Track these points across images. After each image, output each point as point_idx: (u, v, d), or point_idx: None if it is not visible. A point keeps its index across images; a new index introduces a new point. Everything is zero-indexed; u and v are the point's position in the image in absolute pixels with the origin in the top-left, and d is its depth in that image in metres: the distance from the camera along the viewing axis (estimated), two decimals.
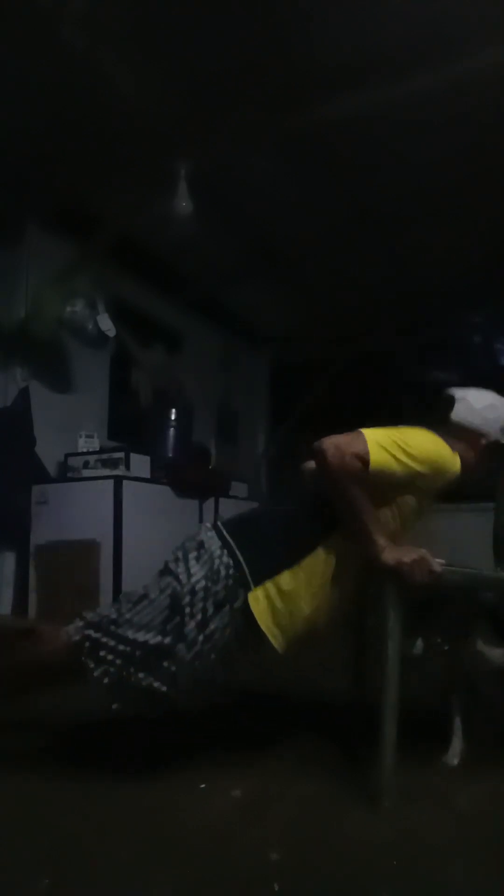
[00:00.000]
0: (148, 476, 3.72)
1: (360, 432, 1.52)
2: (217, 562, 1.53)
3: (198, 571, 1.52)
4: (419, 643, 1.59)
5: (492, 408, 1.72)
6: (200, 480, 4.02)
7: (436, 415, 1.74)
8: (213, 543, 1.57)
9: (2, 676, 1.64)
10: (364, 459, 1.48)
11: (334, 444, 1.48)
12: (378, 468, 1.49)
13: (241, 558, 1.53)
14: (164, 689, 1.49)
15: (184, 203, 3.16)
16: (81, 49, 2.57)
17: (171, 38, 2.56)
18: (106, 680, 1.49)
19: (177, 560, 1.58)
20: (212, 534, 1.61)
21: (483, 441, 1.70)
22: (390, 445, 1.51)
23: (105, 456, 3.66)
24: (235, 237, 4.10)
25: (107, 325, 3.89)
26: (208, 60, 2.66)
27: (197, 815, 1.38)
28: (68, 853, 1.23)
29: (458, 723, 1.66)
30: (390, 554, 1.47)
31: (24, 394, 3.61)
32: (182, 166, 3.17)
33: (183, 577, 1.52)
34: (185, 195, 3.16)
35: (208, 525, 1.66)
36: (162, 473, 3.82)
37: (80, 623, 1.56)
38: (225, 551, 1.55)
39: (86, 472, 3.60)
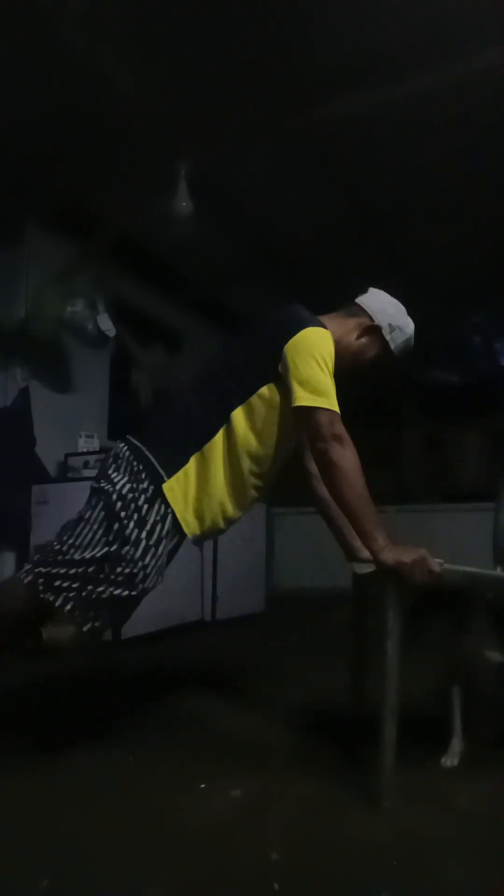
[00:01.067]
0: None
1: (319, 409, 1.53)
2: (134, 464, 1.60)
3: (120, 479, 1.58)
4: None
5: (393, 305, 1.79)
6: None
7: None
8: (125, 450, 1.65)
9: None
10: (338, 419, 1.53)
11: (334, 434, 1.51)
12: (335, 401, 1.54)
13: (150, 456, 1.60)
14: (125, 592, 1.54)
15: (184, 203, 3.16)
16: (81, 49, 2.57)
17: (171, 38, 2.56)
18: (69, 605, 1.53)
19: (98, 479, 1.65)
20: (122, 444, 1.67)
21: (368, 324, 1.75)
22: (329, 382, 1.56)
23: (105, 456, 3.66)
24: (235, 237, 4.10)
25: (107, 325, 3.89)
26: (208, 60, 2.66)
27: (197, 815, 1.38)
28: (68, 853, 1.23)
29: (457, 723, 1.66)
30: (390, 554, 1.47)
31: (24, 394, 3.62)
32: (182, 166, 3.17)
33: (108, 487, 1.58)
34: (185, 195, 3.16)
35: (120, 441, 1.72)
36: None
37: (28, 566, 1.61)
38: (137, 454, 1.62)
39: (86, 472, 3.60)
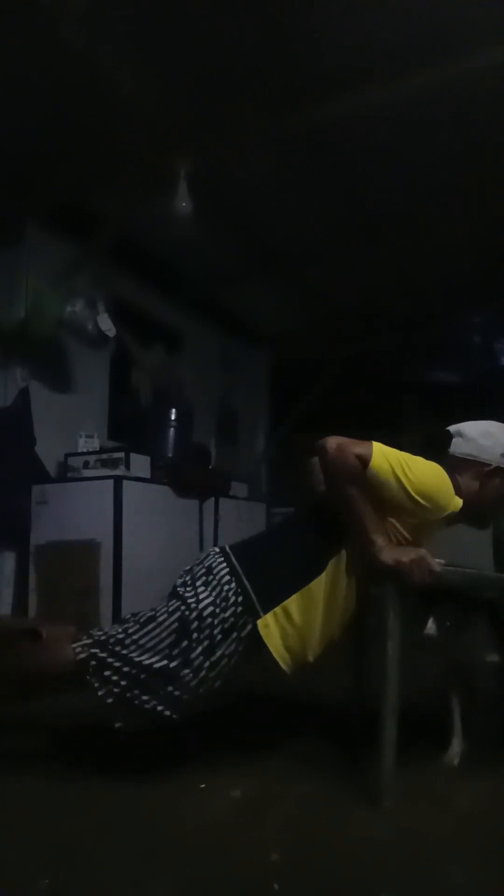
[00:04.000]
0: (148, 476, 3.72)
1: (371, 441, 1.53)
2: (225, 588, 1.53)
3: (206, 597, 1.52)
4: (431, 624, 1.59)
5: (488, 435, 1.71)
6: (200, 480, 4.02)
7: (438, 454, 1.74)
8: (221, 568, 1.58)
9: (2, 679, 1.64)
10: (365, 461, 1.49)
11: (339, 441, 1.51)
12: (375, 473, 1.49)
13: (248, 586, 1.53)
14: (166, 712, 1.50)
15: (184, 203, 3.16)
16: (81, 48, 2.57)
17: (171, 38, 2.56)
18: (110, 700, 1.50)
19: (185, 584, 1.58)
20: (220, 559, 1.61)
21: (485, 469, 1.69)
22: (393, 460, 1.52)
23: (105, 456, 3.66)
24: (235, 237, 4.10)
25: (107, 325, 3.89)
26: (208, 60, 2.66)
27: (197, 815, 1.38)
28: (68, 853, 1.23)
29: (457, 723, 1.66)
30: (389, 554, 1.47)
31: (24, 394, 3.61)
32: (182, 166, 3.17)
33: (192, 601, 1.52)
34: (185, 195, 3.16)
35: (216, 549, 1.67)
36: (162, 473, 3.82)
37: (87, 640, 1.56)
38: (233, 578, 1.55)
39: (86, 472, 3.60)
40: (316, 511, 1.65)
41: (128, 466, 3.58)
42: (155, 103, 2.90)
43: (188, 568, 1.64)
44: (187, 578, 1.59)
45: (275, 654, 1.51)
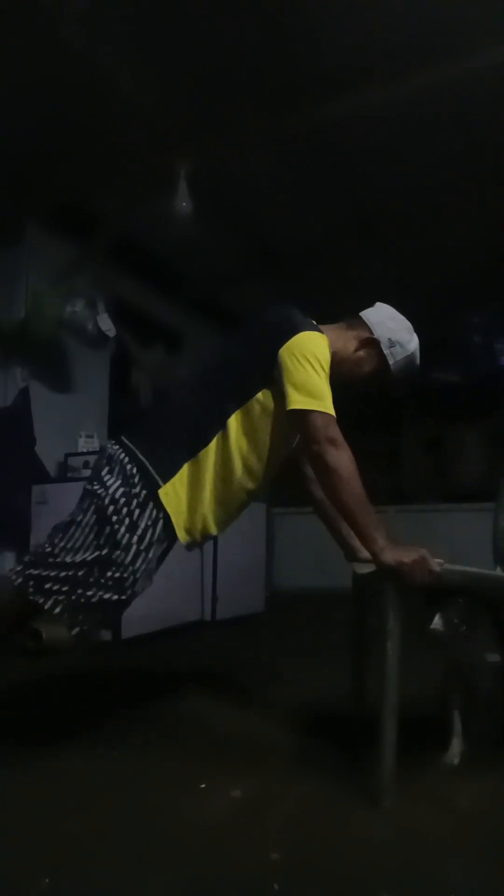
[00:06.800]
0: None
1: (325, 412, 1.53)
2: (128, 467, 1.59)
3: (113, 482, 1.57)
4: (437, 619, 1.58)
5: (394, 319, 1.76)
6: None
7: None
8: (119, 453, 1.63)
9: None
10: (333, 422, 1.52)
11: (328, 437, 1.51)
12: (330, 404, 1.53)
13: (144, 461, 1.59)
14: (115, 597, 1.54)
15: (184, 203, 3.16)
16: (81, 49, 2.57)
17: (171, 38, 2.56)
18: (58, 608, 1.54)
19: (91, 481, 1.63)
20: (116, 446, 1.66)
21: (366, 336, 1.73)
22: (325, 385, 1.54)
23: None
24: (235, 237, 4.10)
25: (107, 325, 3.89)
26: (208, 60, 2.66)
27: (197, 815, 1.38)
28: (68, 853, 1.23)
29: (457, 722, 1.66)
30: (390, 554, 1.47)
31: (24, 394, 3.62)
32: (182, 166, 3.17)
33: (101, 491, 1.57)
34: (185, 195, 3.16)
35: (112, 441, 1.71)
36: None
37: (18, 567, 1.61)
38: (130, 458, 1.60)
39: (86, 472, 3.60)
40: (199, 383, 1.71)
41: None
42: (155, 103, 2.91)
43: (91, 468, 1.72)
44: (92, 476, 1.65)
45: (174, 521, 1.57)
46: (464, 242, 4.13)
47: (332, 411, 1.54)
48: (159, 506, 1.56)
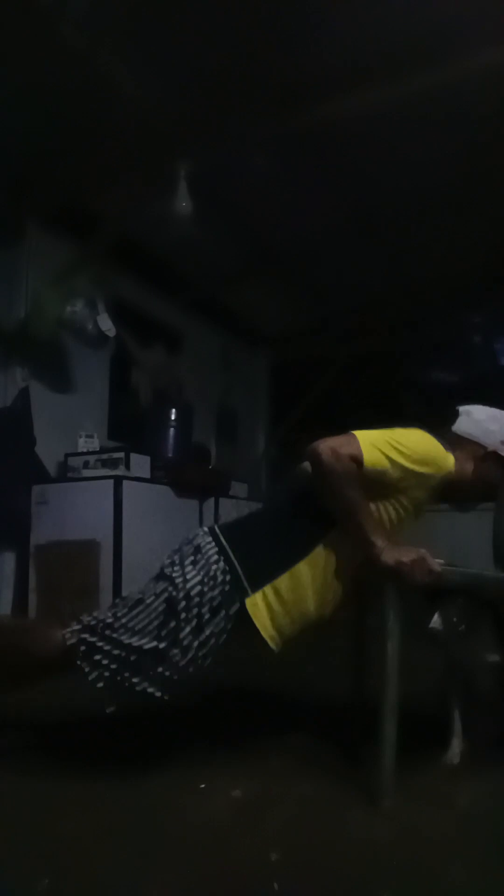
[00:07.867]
0: (148, 476, 3.73)
1: (353, 434, 1.52)
2: (213, 567, 1.53)
3: (194, 576, 1.52)
4: (436, 618, 1.58)
5: (493, 419, 1.72)
6: (200, 480, 4.02)
7: (441, 429, 1.73)
8: (210, 548, 1.57)
9: None
10: (358, 460, 1.48)
11: (328, 446, 1.49)
12: (372, 467, 1.49)
13: (237, 564, 1.53)
14: (157, 693, 1.50)
15: (184, 203, 3.16)
16: (82, 49, 2.57)
17: (171, 38, 2.56)
18: (100, 683, 1.50)
19: (172, 564, 1.57)
20: (208, 538, 1.60)
21: (481, 451, 1.69)
22: (383, 445, 1.52)
23: (105, 456, 3.66)
24: (235, 237, 4.10)
25: (107, 325, 3.89)
26: (208, 60, 2.66)
27: (197, 815, 1.38)
28: (68, 853, 1.23)
29: (458, 722, 1.66)
30: (390, 554, 1.47)
31: (24, 394, 3.62)
32: (182, 166, 3.17)
33: (179, 581, 1.52)
34: (185, 195, 3.16)
35: (205, 529, 1.65)
36: (162, 473, 3.82)
37: (76, 626, 1.56)
38: (221, 557, 1.55)
39: (86, 472, 3.60)
40: (305, 493, 1.64)
41: (128, 466, 3.58)
42: (155, 103, 2.91)
43: (176, 548, 1.63)
44: (175, 558, 1.59)
45: (263, 633, 1.52)
46: (464, 242, 4.13)
47: (355, 437, 1.51)
48: (237, 614, 1.51)
